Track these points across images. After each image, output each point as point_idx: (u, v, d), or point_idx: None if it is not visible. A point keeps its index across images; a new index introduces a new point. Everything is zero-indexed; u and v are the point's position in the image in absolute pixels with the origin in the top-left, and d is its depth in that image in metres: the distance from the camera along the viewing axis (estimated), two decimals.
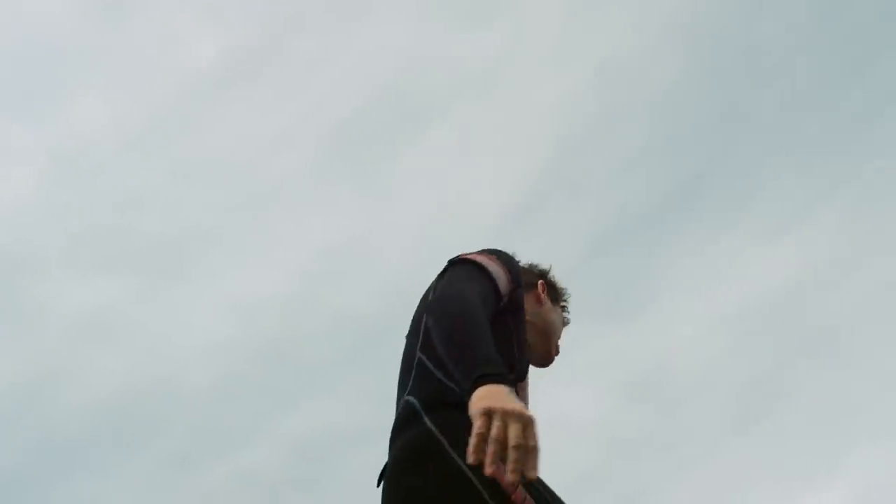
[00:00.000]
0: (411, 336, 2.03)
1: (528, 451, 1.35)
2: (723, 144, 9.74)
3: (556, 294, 2.34)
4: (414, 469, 1.73)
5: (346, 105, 9.82)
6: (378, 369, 9.12)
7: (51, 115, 9.56)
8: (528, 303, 2.26)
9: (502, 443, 1.36)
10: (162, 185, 9.84)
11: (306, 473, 9.12)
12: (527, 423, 1.38)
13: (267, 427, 9.49)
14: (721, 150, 9.76)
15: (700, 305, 9.48)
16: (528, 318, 2.22)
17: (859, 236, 9.27)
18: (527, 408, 1.43)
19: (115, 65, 9.47)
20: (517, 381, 1.99)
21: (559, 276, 2.39)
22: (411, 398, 1.87)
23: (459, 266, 1.99)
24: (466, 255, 2.04)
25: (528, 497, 1.59)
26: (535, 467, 1.35)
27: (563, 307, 2.38)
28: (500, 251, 2.08)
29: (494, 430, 1.36)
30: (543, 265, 2.35)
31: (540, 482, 1.68)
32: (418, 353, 1.94)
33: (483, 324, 1.67)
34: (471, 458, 1.37)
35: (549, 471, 1.70)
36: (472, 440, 1.37)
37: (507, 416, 1.37)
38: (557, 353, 2.30)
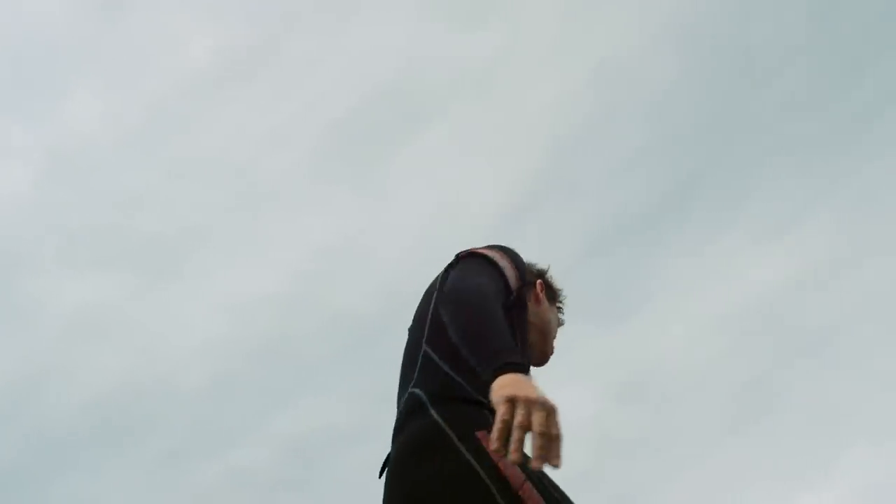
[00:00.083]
0: (415, 329, 2.04)
1: (552, 439, 1.37)
2: (719, 145, 9.75)
3: (553, 294, 2.35)
4: (421, 460, 1.73)
5: (342, 104, 9.82)
6: (373, 369, 9.11)
7: (47, 112, 9.55)
8: (528, 301, 2.25)
9: (526, 430, 1.37)
10: (158, 183, 9.83)
11: (300, 473, 9.11)
12: (550, 412, 1.39)
13: (261, 426, 9.48)
14: (717, 151, 9.77)
15: (695, 306, 9.50)
16: (528, 316, 2.22)
17: (855, 237, 9.29)
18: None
19: (111, 63, 9.46)
20: None
21: (556, 277, 2.39)
22: (417, 390, 1.87)
23: (470, 260, 2.01)
24: (476, 249, 2.05)
25: (535, 492, 1.59)
26: (558, 455, 1.37)
27: (559, 308, 2.38)
28: (507, 248, 2.10)
29: (518, 418, 1.38)
30: (541, 265, 2.35)
31: (546, 478, 1.68)
32: (424, 346, 1.95)
33: (500, 315, 1.70)
34: (494, 445, 1.39)
35: (545, 469, 1.71)
36: (496, 427, 1.39)
37: (530, 403, 1.39)
38: (553, 352, 2.30)
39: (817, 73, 9.29)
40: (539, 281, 2.29)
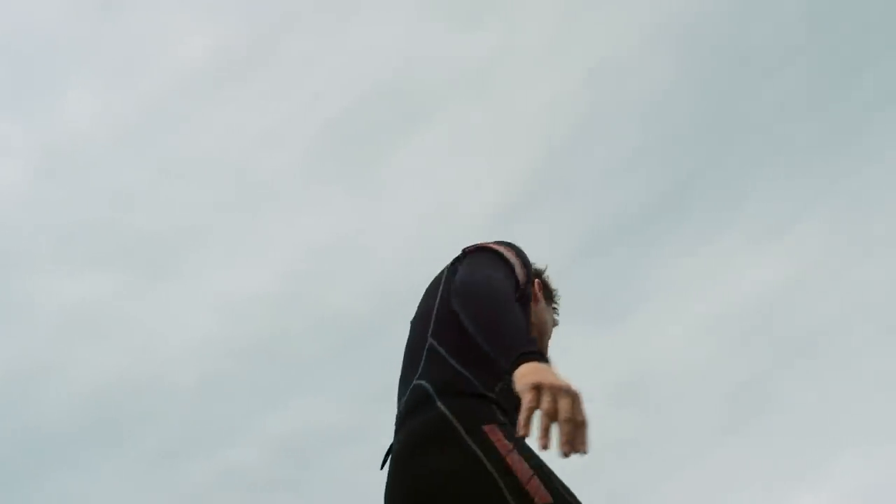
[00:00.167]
0: (420, 322, 2.04)
1: (578, 425, 1.39)
2: (716, 146, 9.77)
3: (549, 294, 2.36)
4: (427, 452, 1.72)
5: (338, 104, 9.81)
6: (367, 369, 9.11)
7: (43, 110, 9.53)
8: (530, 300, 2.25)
9: (553, 417, 1.39)
10: (154, 181, 9.82)
11: (293, 473, 9.10)
12: (575, 398, 1.42)
13: (255, 426, 9.47)
14: (714, 152, 9.79)
15: (691, 307, 9.51)
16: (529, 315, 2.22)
17: (851, 239, 9.31)
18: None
19: (108, 61, 9.44)
20: None
21: (552, 277, 2.39)
22: (423, 382, 1.86)
23: (481, 254, 2.02)
24: (485, 243, 2.05)
25: (542, 487, 1.58)
26: (584, 442, 1.39)
27: (555, 308, 2.38)
28: (514, 244, 2.10)
29: (545, 404, 1.40)
30: (539, 265, 2.35)
31: (553, 473, 1.67)
32: (429, 339, 1.95)
33: (517, 307, 1.72)
34: (521, 431, 1.40)
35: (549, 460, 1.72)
36: (523, 414, 1.40)
37: (556, 390, 1.41)
38: (546, 353, 2.29)
39: (814, 74, 9.31)
40: (537, 280, 2.29)
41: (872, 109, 9.17)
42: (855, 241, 9.25)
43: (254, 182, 10.01)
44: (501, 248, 2.03)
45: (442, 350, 1.90)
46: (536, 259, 2.35)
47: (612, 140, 9.66)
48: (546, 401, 1.41)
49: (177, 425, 9.43)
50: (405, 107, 9.90)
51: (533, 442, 1.51)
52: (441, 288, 2.04)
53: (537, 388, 1.42)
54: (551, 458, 1.72)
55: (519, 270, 2.01)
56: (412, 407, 1.84)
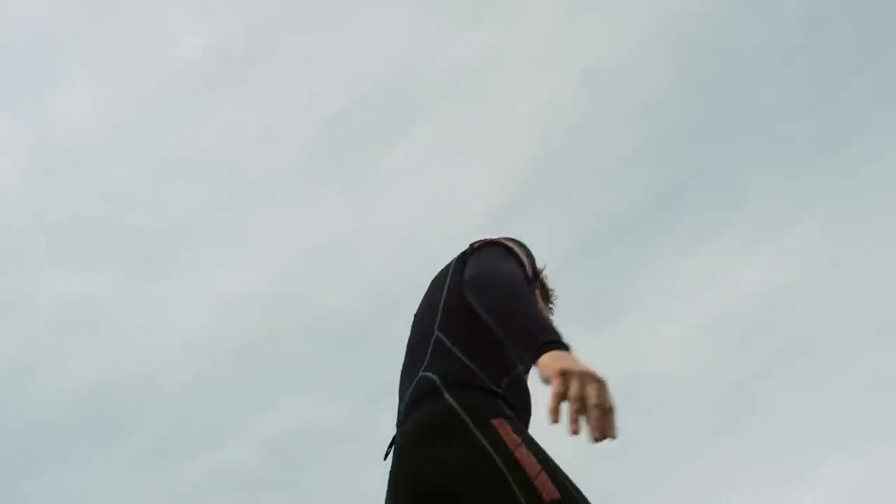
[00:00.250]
0: (425, 315, 2.04)
1: (606, 411, 1.41)
2: (712, 148, 9.78)
3: (546, 294, 2.36)
4: (434, 442, 1.72)
5: (334, 104, 9.80)
6: (359, 369, 9.09)
7: (37, 107, 9.50)
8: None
9: (582, 402, 1.40)
10: (147, 179, 9.80)
11: (284, 473, 9.08)
12: (602, 385, 1.43)
13: (245, 425, 9.45)
14: (709, 155, 9.80)
15: (684, 309, 9.51)
16: None
17: (846, 242, 9.32)
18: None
19: (102, 59, 9.41)
20: (525, 373, 2.00)
21: (548, 277, 2.39)
22: (429, 374, 1.86)
23: (492, 247, 2.03)
24: (495, 238, 2.06)
25: (550, 483, 1.58)
26: (613, 427, 1.40)
27: (551, 308, 2.38)
28: (519, 241, 2.12)
29: (574, 390, 1.41)
30: (537, 264, 2.34)
31: (560, 469, 1.67)
32: (436, 332, 1.95)
33: (535, 297, 1.74)
34: (550, 417, 1.42)
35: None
36: (551, 399, 1.42)
37: (583, 376, 1.43)
38: None
39: (811, 75, 9.33)
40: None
41: (870, 110, 9.20)
42: (850, 242, 9.28)
43: (248, 181, 10.00)
44: (510, 243, 2.04)
45: (449, 343, 1.90)
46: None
47: (609, 140, 9.67)
48: (574, 387, 1.42)
49: (169, 424, 9.41)
50: (401, 107, 9.90)
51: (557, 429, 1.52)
52: (448, 281, 2.05)
53: (565, 375, 1.44)
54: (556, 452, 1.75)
55: (526, 265, 2.02)
56: (418, 398, 1.84)
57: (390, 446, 1.91)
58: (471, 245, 2.09)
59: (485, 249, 2.02)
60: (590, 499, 1.62)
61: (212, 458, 9.20)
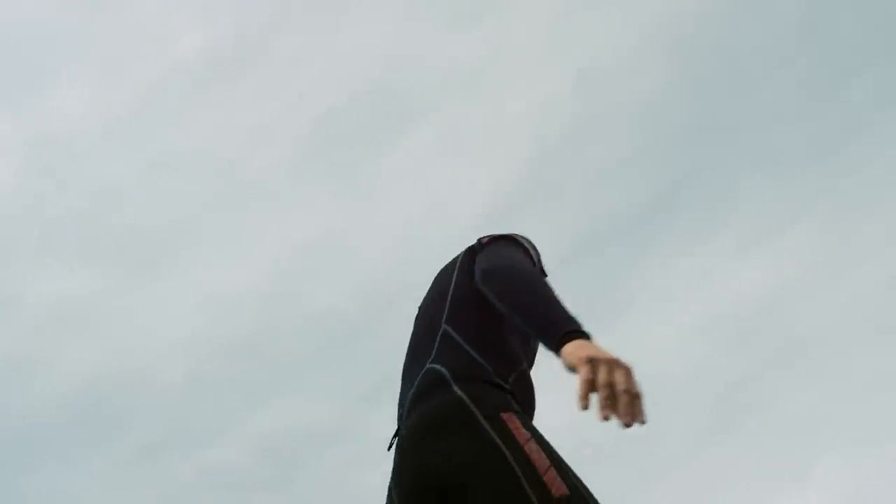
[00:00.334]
0: (432, 308, 2.04)
1: (634, 397, 1.42)
2: (707, 151, 9.77)
3: None
4: (442, 435, 1.70)
5: (329, 103, 9.78)
6: (352, 368, 9.08)
7: (31, 103, 9.47)
8: None
9: (610, 388, 1.41)
10: (142, 176, 9.76)
11: (277, 473, 9.06)
12: (629, 371, 1.45)
13: (238, 424, 9.43)
14: (705, 156, 9.79)
15: (679, 310, 9.51)
16: None
17: (840, 245, 9.33)
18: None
19: (97, 55, 9.38)
20: (529, 368, 2.01)
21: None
22: (437, 366, 1.85)
23: (500, 241, 2.03)
24: (504, 233, 2.07)
25: (559, 479, 1.57)
26: (642, 412, 1.41)
27: None
28: (527, 237, 2.12)
29: (602, 377, 1.42)
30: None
31: (567, 465, 1.65)
32: (443, 325, 1.94)
33: (548, 283, 1.73)
34: (579, 404, 1.42)
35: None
36: (581, 386, 1.42)
37: (610, 363, 1.44)
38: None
39: (807, 78, 9.33)
40: None
41: (868, 111, 9.20)
42: (847, 243, 9.29)
43: (242, 179, 9.98)
44: (519, 238, 2.06)
45: (457, 336, 1.90)
46: None
47: (605, 141, 9.66)
48: (603, 374, 1.43)
49: (161, 422, 9.38)
50: (397, 106, 9.88)
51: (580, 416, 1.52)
52: (455, 274, 2.05)
53: (592, 363, 1.45)
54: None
55: (535, 260, 2.03)
56: (425, 389, 1.82)
57: (394, 438, 1.89)
58: (478, 240, 2.08)
59: (496, 243, 2.02)
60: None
61: (204, 457, 9.19)
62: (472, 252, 2.08)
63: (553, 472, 1.57)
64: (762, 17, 9.29)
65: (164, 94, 9.52)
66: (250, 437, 9.26)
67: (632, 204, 9.81)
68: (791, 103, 9.39)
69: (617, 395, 1.42)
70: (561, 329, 1.57)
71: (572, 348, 1.52)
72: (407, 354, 2.04)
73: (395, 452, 1.84)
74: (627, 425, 1.41)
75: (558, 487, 1.55)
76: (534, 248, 2.10)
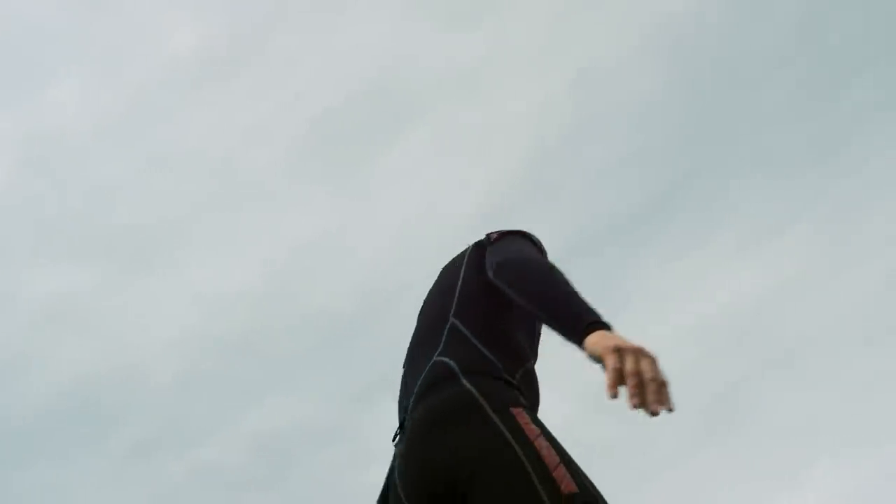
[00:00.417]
0: (438, 302, 2.03)
1: (661, 385, 1.44)
2: (702, 153, 9.76)
3: None
4: (450, 428, 1.68)
5: (326, 102, 9.77)
6: (346, 368, 9.06)
7: (24, 100, 9.44)
8: None
9: (638, 377, 1.43)
10: (136, 174, 9.74)
11: (270, 472, 9.04)
12: (654, 359, 1.47)
13: (232, 423, 9.41)
14: (700, 159, 9.78)
15: (675, 311, 9.50)
16: None
17: (835, 248, 9.32)
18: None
19: (92, 53, 9.36)
20: (534, 364, 2.00)
21: None
22: (445, 359, 1.84)
23: (512, 236, 2.04)
24: (514, 229, 2.08)
25: (568, 475, 1.55)
26: (669, 400, 1.43)
27: None
28: (533, 234, 2.13)
29: (629, 365, 1.45)
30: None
31: (575, 462, 1.63)
32: (451, 318, 1.94)
33: (568, 278, 1.75)
34: (609, 393, 1.44)
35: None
36: (610, 375, 1.44)
37: (637, 352, 1.47)
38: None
39: (805, 80, 9.32)
40: None
41: (865, 113, 9.21)
42: (843, 246, 9.29)
43: (238, 178, 9.96)
44: (527, 233, 2.07)
45: (465, 330, 1.89)
46: None
47: (603, 141, 9.65)
48: (630, 362, 1.45)
49: (154, 420, 9.36)
50: (394, 106, 9.87)
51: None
52: (463, 269, 2.05)
53: (619, 351, 1.47)
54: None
55: (544, 255, 2.03)
56: (432, 382, 1.80)
57: (399, 431, 1.88)
58: (487, 235, 2.09)
59: (507, 238, 2.03)
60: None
61: (197, 456, 9.17)
62: (480, 247, 2.09)
63: (563, 469, 1.56)
64: (762, 17, 9.29)
65: (160, 93, 9.51)
66: (244, 436, 9.25)
67: (630, 204, 9.81)
68: (790, 103, 9.39)
69: (645, 384, 1.44)
70: (584, 320, 1.59)
71: (597, 339, 1.53)
72: (410, 348, 2.03)
73: (399, 446, 1.82)
74: (655, 413, 1.43)
75: (567, 484, 1.53)
76: (541, 244, 2.11)
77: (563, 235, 9.46)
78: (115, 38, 9.31)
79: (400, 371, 2.06)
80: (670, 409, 1.44)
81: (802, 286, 9.36)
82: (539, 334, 2.09)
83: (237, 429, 9.34)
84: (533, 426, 1.64)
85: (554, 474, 1.54)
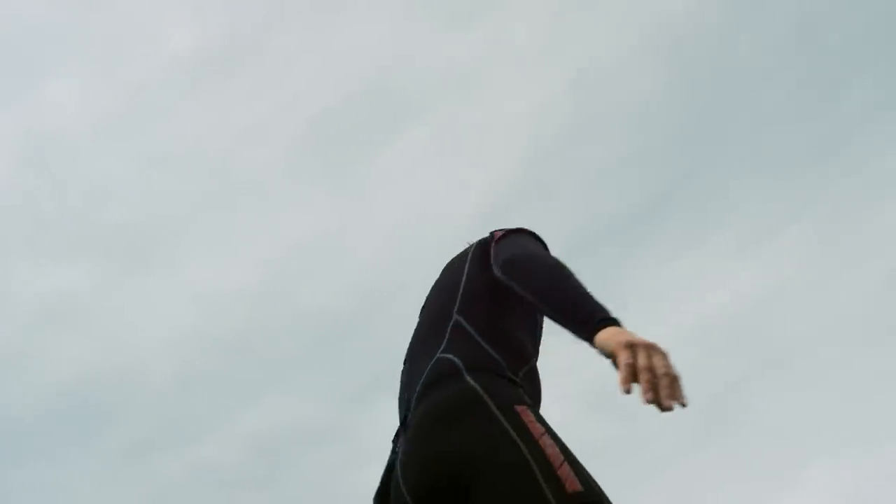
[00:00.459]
0: (441, 299, 2.02)
1: (674, 380, 1.45)
2: (700, 154, 9.75)
3: None
4: (453, 424, 1.68)
5: (324, 102, 9.76)
6: (342, 368, 9.05)
7: (22, 98, 9.44)
8: None
9: (651, 372, 1.44)
10: (133, 173, 9.73)
11: (265, 471, 9.03)
12: (666, 355, 1.48)
13: (227, 422, 9.40)
14: (698, 160, 9.78)
15: (672, 312, 9.49)
16: None
17: (832, 249, 9.31)
18: None
19: (91, 50, 9.35)
20: (536, 363, 2.00)
21: None
22: (449, 356, 1.83)
23: (518, 234, 2.04)
24: (518, 227, 2.08)
25: (572, 474, 1.54)
26: (682, 394, 1.44)
27: None
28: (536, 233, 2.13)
29: (642, 361, 1.46)
30: None
31: (578, 460, 1.62)
32: (455, 315, 1.93)
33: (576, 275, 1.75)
34: (622, 388, 1.45)
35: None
36: (623, 370, 1.45)
37: (649, 347, 1.48)
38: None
39: (803, 82, 9.31)
40: None
41: (862, 116, 9.20)
42: (840, 247, 9.27)
43: (236, 178, 9.95)
44: (531, 231, 2.07)
45: (469, 327, 1.89)
46: None
47: (601, 142, 9.65)
48: (642, 358, 1.46)
49: (150, 419, 9.35)
50: (393, 106, 9.86)
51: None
52: (467, 266, 2.04)
53: (631, 347, 1.48)
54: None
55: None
56: (436, 379, 1.80)
57: (400, 428, 1.87)
58: (491, 233, 2.08)
59: (512, 235, 2.03)
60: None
61: (193, 455, 9.15)
62: (484, 245, 2.08)
63: (567, 468, 1.55)
64: (762, 17, 9.28)
65: (159, 92, 9.50)
66: (240, 435, 9.24)
67: (629, 204, 9.81)
68: (790, 103, 9.38)
69: (657, 379, 1.44)
70: (595, 316, 1.60)
71: (608, 335, 1.54)
72: (411, 345, 2.03)
73: (402, 441, 1.81)
74: (669, 408, 1.43)
75: (572, 483, 1.53)
76: (545, 242, 2.10)
77: (561, 235, 9.42)
78: (114, 37, 9.31)
79: (399, 369, 2.05)
80: (683, 404, 1.44)
81: (802, 286, 9.35)
82: (541, 332, 2.09)
83: (234, 428, 9.34)
84: (537, 424, 1.63)
85: (558, 473, 1.54)
